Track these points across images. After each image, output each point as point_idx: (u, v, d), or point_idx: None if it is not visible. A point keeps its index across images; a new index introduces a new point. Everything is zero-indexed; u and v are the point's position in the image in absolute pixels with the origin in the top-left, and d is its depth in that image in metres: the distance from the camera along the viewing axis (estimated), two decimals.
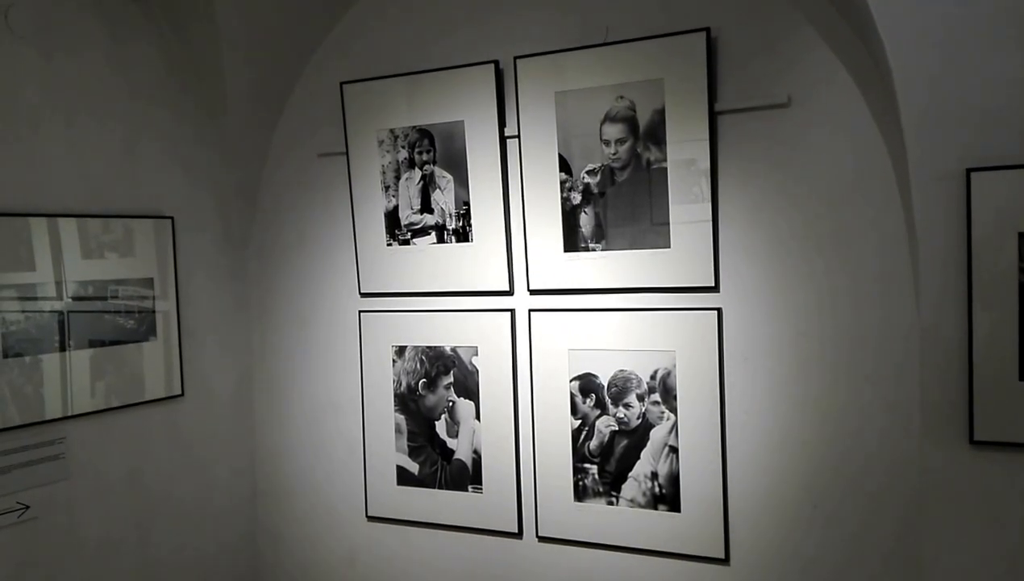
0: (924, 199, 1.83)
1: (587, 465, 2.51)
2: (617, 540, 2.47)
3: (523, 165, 2.53)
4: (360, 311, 2.86)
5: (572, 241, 2.49)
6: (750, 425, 2.30)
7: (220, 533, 3.00)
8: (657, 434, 2.40)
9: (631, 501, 2.44)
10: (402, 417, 2.80)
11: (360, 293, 2.86)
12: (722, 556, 2.33)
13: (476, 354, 2.66)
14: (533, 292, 2.58)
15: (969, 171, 1.76)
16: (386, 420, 2.83)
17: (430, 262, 2.71)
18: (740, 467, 2.31)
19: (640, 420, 2.42)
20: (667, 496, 2.39)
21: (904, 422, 2.12)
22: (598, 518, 2.49)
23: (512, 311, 2.61)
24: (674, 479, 2.38)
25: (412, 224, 2.73)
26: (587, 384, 2.50)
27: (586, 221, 2.47)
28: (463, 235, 2.65)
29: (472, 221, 2.63)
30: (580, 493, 2.52)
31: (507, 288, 2.61)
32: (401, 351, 2.79)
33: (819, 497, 2.22)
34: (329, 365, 2.96)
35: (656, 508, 2.41)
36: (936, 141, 1.79)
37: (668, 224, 2.35)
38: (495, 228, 2.60)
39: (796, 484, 2.25)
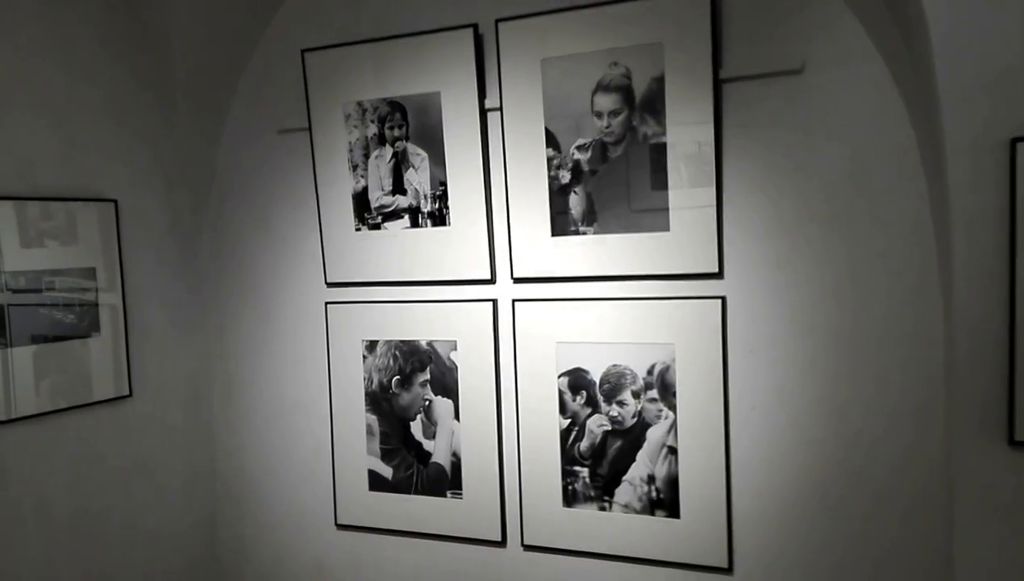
0: (961, 173, 1.64)
1: (577, 468, 2.30)
2: (610, 548, 2.27)
3: (506, 141, 2.30)
4: (327, 303, 2.61)
5: (560, 224, 2.27)
6: (756, 423, 2.11)
7: (176, 545, 2.75)
8: (654, 434, 2.20)
9: (625, 506, 2.25)
10: (374, 417, 2.57)
11: (326, 283, 2.62)
12: (725, 565, 2.14)
13: (455, 349, 2.44)
14: (517, 280, 2.36)
15: (1015, 141, 1.57)
16: (356, 421, 2.60)
17: (403, 248, 2.48)
18: (745, 469, 2.12)
19: (635, 419, 2.22)
20: (665, 501, 2.20)
21: (929, 420, 1.95)
22: (589, 525, 2.29)
23: (494, 301, 2.39)
24: (673, 482, 2.18)
25: (383, 207, 2.49)
26: (577, 380, 2.29)
27: (576, 202, 2.25)
28: (439, 218, 2.42)
29: (449, 203, 2.40)
30: (570, 498, 2.32)
31: (488, 276, 2.38)
32: (372, 346, 2.55)
33: (833, 501, 2.04)
34: (293, 362, 2.72)
35: (653, 513, 2.21)
36: (977, 110, 1.60)
37: (667, 205, 2.14)
38: (475, 210, 2.37)
39: (807, 487, 2.06)
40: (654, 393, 2.20)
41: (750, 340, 2.10)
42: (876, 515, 2.01)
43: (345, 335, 2.59)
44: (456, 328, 2.43)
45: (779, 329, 2.07)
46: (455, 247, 2.41)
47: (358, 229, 2.53)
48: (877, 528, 2.01)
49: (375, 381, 2.56)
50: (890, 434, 1.99)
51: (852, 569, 2.03)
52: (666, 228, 2.15)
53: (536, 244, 2.31)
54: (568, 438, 2.31)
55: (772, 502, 2.10)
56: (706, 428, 2.14)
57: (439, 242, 2.43)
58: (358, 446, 2.60)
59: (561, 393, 2.31)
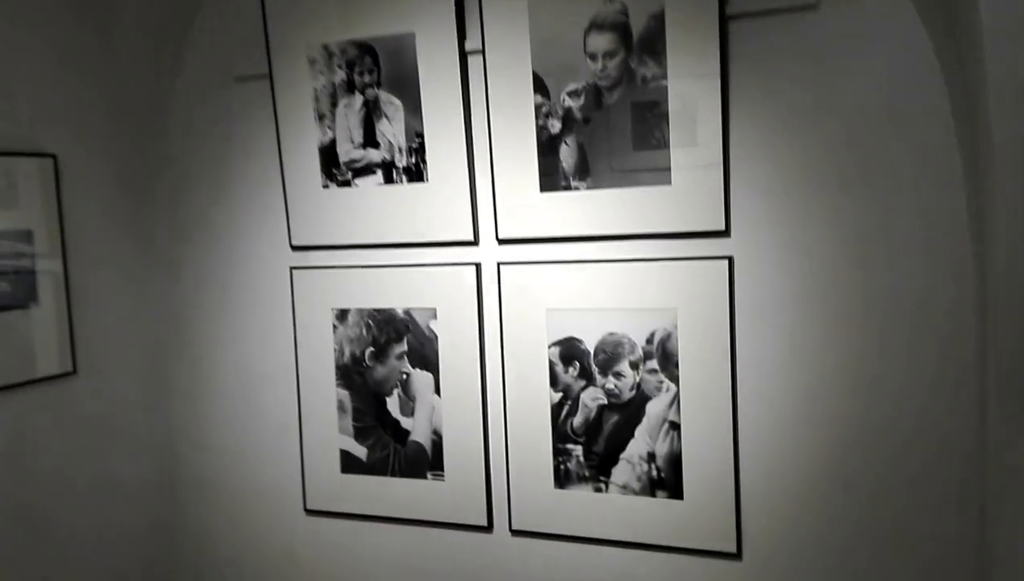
0: (1005, 118, 1.45)
1: (570, 446, 2.11)
2: (606, 533, 2.09)
3: (489, 87, 2.07)
4: (292, 268, 2.38)
5: (551, 179, 2.06)
6: (767, 395, 1.92)
7: (130, 535, 2.53)
8: (654, 408, 2.01)
9: (623, 487, 2.06)
10: (346, 393, 2.36)
11: (291, 246, 2.38)
12: (733, 550, 1.97)
13: (434, 317, 2.23)
14: (503, 241, 2.15)
15: None
16: (326, 397, 2.38)
17: (376, 207, 2.25)
18: (754, 445, 1.94)
19: (634, 392, 2.03)
20: (667, 480, 2.02)
21: (961, 397, 1.77)
22: (584, 507, 2.11)
23: (477, 265, 2.17)
24: (675, 460, 2.00)
25: (353, 161, 2.26)
26: (570, 350, 2.09)
27: (567, 154, 2.04)
28: (416, 174, 2.19)
29: (427, 156, 2.17)
30: (562, 479, 2.13)
31: (471, 238, 2.17)
32: (343, 315, 2.33)
33: (852, 482, 1.87)
34: (257, 333, 2.49)
35: (654, 495, 2.03)
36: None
37: (668, 156, 1.93)
38: (455, 165, 2.15)
39: (823, 464, 1.89)
40: (654, 363, 2.01)
41: (760, 305, 1.91)
42: (899, 499, 1.83)
43: (313, 303, 2.37)
44: (436, 295, 2.22)
45: (793, 292, 1.89)
46: (434, 205, 2.19)
47: (326, 186, 2.29)
48: (900, 513, 1.84)
49: (347, 353, 2.34)
50: (918, 411, 1.81)
51: (871, 555, 1.87)
52: (667, 181, 1.95)
53: (523, 201, 2.09)
54: (560, 413, 2.11)
55: (784, 481, 1.93)
56: (712, 401, 1.96)
57: (416, 200, 2.20)
58: (329, 424, 2.39)
59: (552, 364, 2.11)
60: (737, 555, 1.97)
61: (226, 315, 2.52)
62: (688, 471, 1.99)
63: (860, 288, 1.83)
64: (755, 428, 1.94)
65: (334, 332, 2.35)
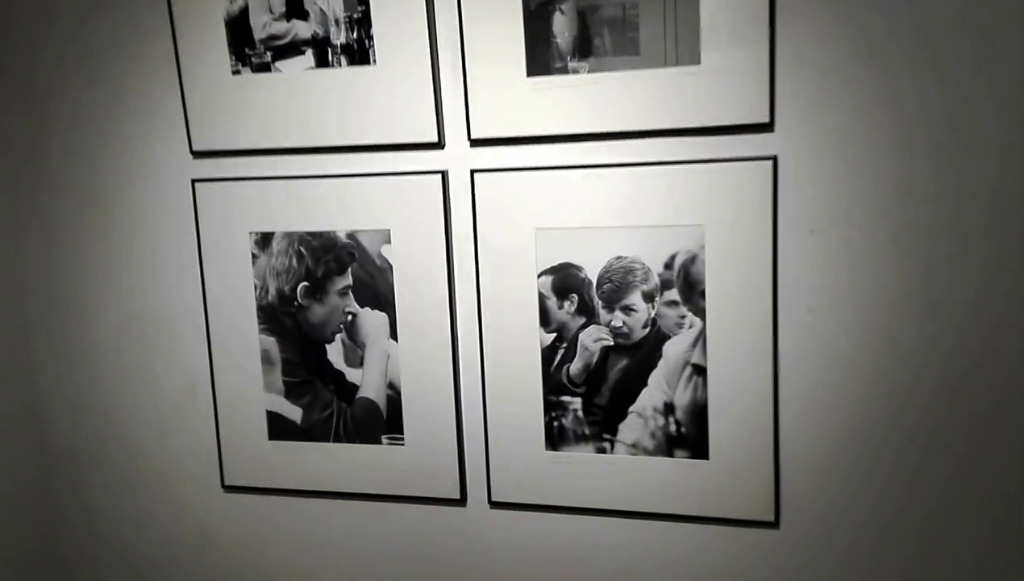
0: None
1: (566, 398, 1.70)
2: (612, 502, 1.71)
3: None
4: (194, 181, 1.84)
5: (540, 59, 1.59)
6: (816, 329, 1.55)
7: None
8: (674, 348, 1.62)
9: (633, 446, 1.68)
10: (272, 340, 1.86)
11: (192, 152, 1.84)
12: (771, 518, 1.63)
13: (388, 241, 1.75)
14: (477, 143, 1.68)
15: None
16: (247, 346, 1.88)
17: (306, 99, 1.73)
18: (798, 392, 1.58)
19: (648, 330, 1.63)
20: (688, 436, 1.64)
21: None
22: (583, 472, 1.71)
23: (443, 173, 1.70)
24: (699, 412, 1.63)
25: (274, 38, 1.72)
26: (566, 280, 1.66)
27: (562, 25, 1.57)
28: (359, 54, 1.68)
29: (374, 31, 1.66)
30: (555, 438, 1.72)
31: (435, 138, 1.69)
32: (265, 241, 1.82)
33: (915, 429, 1.54)
34: (149, 267, 1.94)
35: (671, 454, 1.66)
36: None
37: (696, 24, 1.50)
38: (413, 41, 1.65)
39: (881, 411, 1.54)
40: (674, 294, 1.60)
41: (809, 217, 1.53)
42: (968, 445, 1.52)
43: (224, 226, 1.84)
44: (389, 213, 1.74)
45: (850, 201, 1.50)
46: (384, 96, 1.68)
47: (237, 72, 1.75)
48: (969, 469, 1.52)
49: (271, 290, 1.84)
50: (999, 354, 1.47)
51: (937, 523, 1.55)
52: (695, 60, 1.51)
53: (505, 89, 1.62)
54: (553, 359, 1.69)
55: (834, 433, 1.57)
56: (746, 339, 1.58)
57: (360, 89, 1.70)
58: (251, 380, 1.89)
59: (543, 298, 1.68)
60: (774, 523, 1.63)
61: (108, 246, 1.95)
62: (716, 424, 1.62)
63: (940, 194, 1.46)
64: (799, 369, 1.57)
65: (254, 263, 1.84)
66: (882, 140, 1.47)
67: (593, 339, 1.66)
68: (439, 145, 1.69)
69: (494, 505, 1.79)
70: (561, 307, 1.67)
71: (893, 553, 1.58)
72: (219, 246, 1.85)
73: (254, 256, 1.83)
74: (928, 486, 1.54)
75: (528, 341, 1.70)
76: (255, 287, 1.85)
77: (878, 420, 1.55)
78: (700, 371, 1.61)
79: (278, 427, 1.89)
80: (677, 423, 1.64)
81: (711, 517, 1.66)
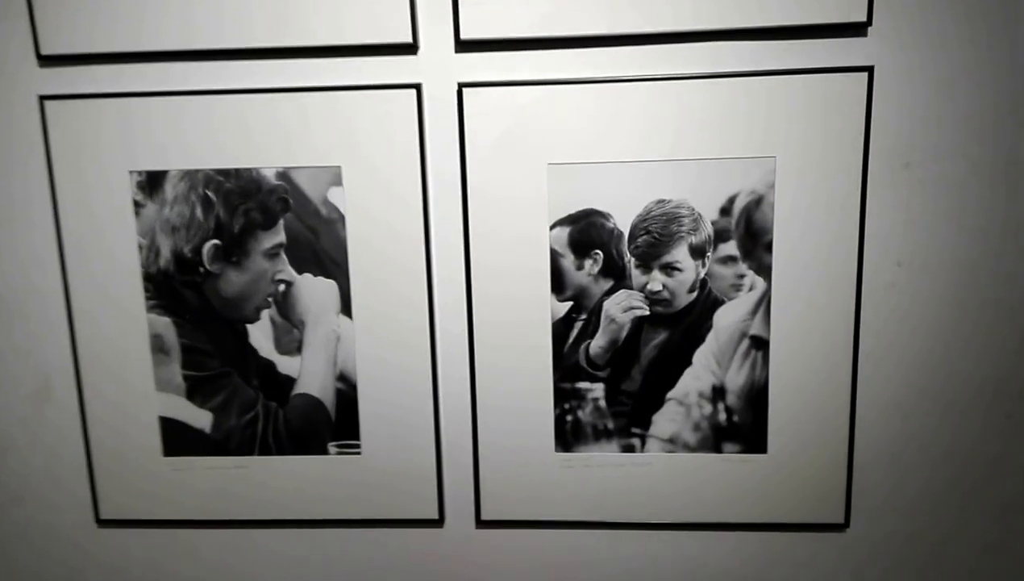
0: None
1: (584, 385, 1.31)
2: (641, 513, 1.34)
3: None
4: (43, 98, 1.27)
5: None
6: (905, 289, 1.24)
7: None
8: (728, 317, 1.27)
9: (671, 441, 1.32)
10: (167, 321, 1.34)
11: (39, 57, 1.26)
12: (840, 519, 1.32)
13: (337, 183, 1.27)
14: (467, 45, 1.22)
15: None
16: (129, 329, 1.35)
17: None
18: (880, 368, 1.27)
19: (695, 293, 1.27)
20: (741, 427, 1.30)
21: None
22: (604, 477, 1.34)
23: (417, 87, 1.23)
24: (757, 396, 1.29)
25: None
26: (587, 232, 1.26)
27: None
28: None
29: None
30: (568, 436, 1.33)
31: (407, 38, 1.22)
32: (154, 183, 1.29)
33: (1016, 403, 1.28)
34: None
35: (719, 449, 1.31)
36: None
37: None
38: None
39: (979, 389, 1.27)
40: (731, 247, 1.24)
41: (906, 147, 1.21)
42: None
43: (90, 163, 1.29)
44: (339, 144, 1.25)
45: (957, 127, 1.20)
46: None
47: None
48: None
49: (164, 252, 1.31)
50: None
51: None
52: None
53: None
54: (568, 335, 1.30)
55: (918, 417, 1.29)
56: (822, 303, 1.25)
57: None
58: (135, 376, 1.36)
59: (556, 256, 1.27)
60: (843, 525, 1.33)
61: None
62: (776, 411, 1.29)
63: None
64: (884, 338, 1.26)
65: (137, 214, 1.30)
66: (1002, 53, 1.16)
67: (623, 308, 1.28)
68: (412, 48, 1.22)
69: (484, 524, 1.39)
70: (580, 268, 1.27)
71: (984, 557, 1.33)
72: (83, 191, 1.30)
73: (137, 205, 1.30)
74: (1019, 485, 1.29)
75: (534, 313, 1.29)
76: (139, 248, 1.31)
77: (975, 398, 1.27)
78: (760, 344, 1.27)
79: (177, 438, 1.38)
80: (728, 410, 1.30)
81: (765, 523, 1.33)
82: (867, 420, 1.29)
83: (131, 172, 1.28)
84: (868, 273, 1.24)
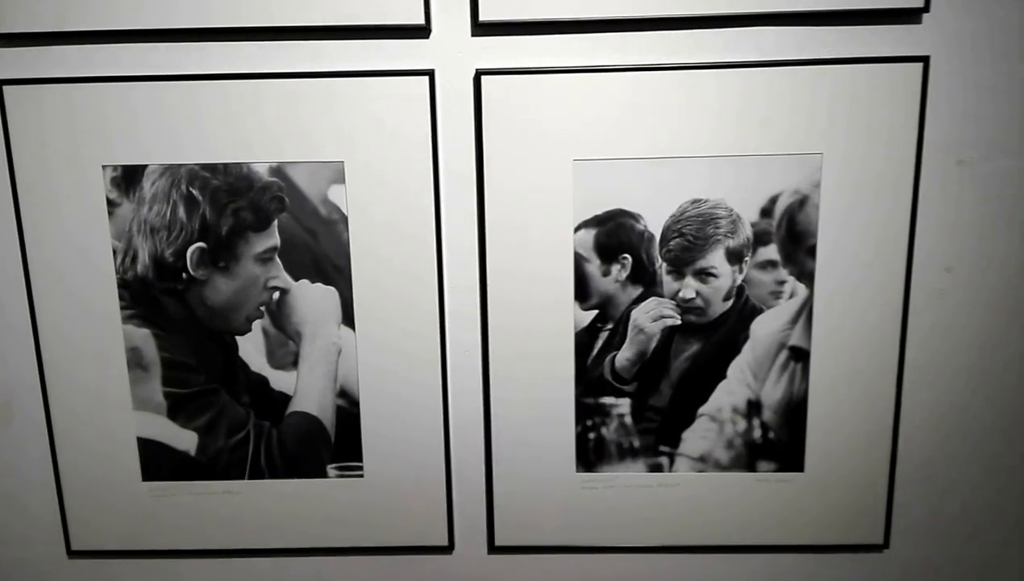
0: None
1: (609, 400, 1.21)
2: (669, 536, 1.25)
3: None
4: (1, 83, 1.12)
5: None
6: (953, 297, 1.16)
7: None
8: (766, 326, 1.17)
9: (701, 460, 1.22)
10: (145, 333, 1.20)
11: None
12: (879, 540, 1.24)
13: (339, 180, 1.14)
14: (485, 27, 1.10)
15: None
16: (102, 342, 1.20)
17: None
18: (923, 380, 1.19)
19: (732, 301, 1.17)
20: (778, 444, 1.21)
21: None
22: (629, 500, 1.24)
23: (430, 74, 1.11)
24: (795, 411, 1.20)
25: None
26: (615, 235, 1.15)
27: None
28: None
29: None
30: (591, 455, 1.23)
31: (420, 20, 1.09)
32: (131, 179, 1.15)
33: None
34: None
35: (754, 468, 1.22)
36: None
37: None
38: None
39: None
40: (772, 251, 1.15)
41: (959, 142, 1.12)
42: None
43: (58, 157, 1.14)
44: (342, 137, 1.12)
45: (1014, 122, 1.11)
46: None
47: None
48: None
49: (142, 256, 1.17)
50: None
51: None
52: None
53: None
54: (592, 346, 1.19)
55: (960, 433, 1.21)
56: (867, 312, 1.16)
57: None
58: (110, 394, 1.22)
59: (580, 261, 1.16)
60: (882, 545, 1.25)
61: None
62: (815, 427, 1.20)
63: None
64: (929, 349, 1.18)
65: (111, 214, 1.16)
66: None
67: (652, 317, 1.18)
68: (425, 30, 1.10)
69: (497, 550, 1.28)
70: (607, 273, 1.16)
71: None
72: (49, 188, 1.15)
73: (111, 203, 1.15)
74: None
75: (556, 323, 1.18)
76: (114, 253, 1.17)
77: (1022, 413, 1.20)
78: (801, 356, 1.18)
79: (158, 461, 1.25)
80: (764, 427, 1.21)
81: (800, 545, 1.25)
82: (910, 436, 1.20)
83: (104, 166, 1.14)
84: (916, 279, 1.15)
